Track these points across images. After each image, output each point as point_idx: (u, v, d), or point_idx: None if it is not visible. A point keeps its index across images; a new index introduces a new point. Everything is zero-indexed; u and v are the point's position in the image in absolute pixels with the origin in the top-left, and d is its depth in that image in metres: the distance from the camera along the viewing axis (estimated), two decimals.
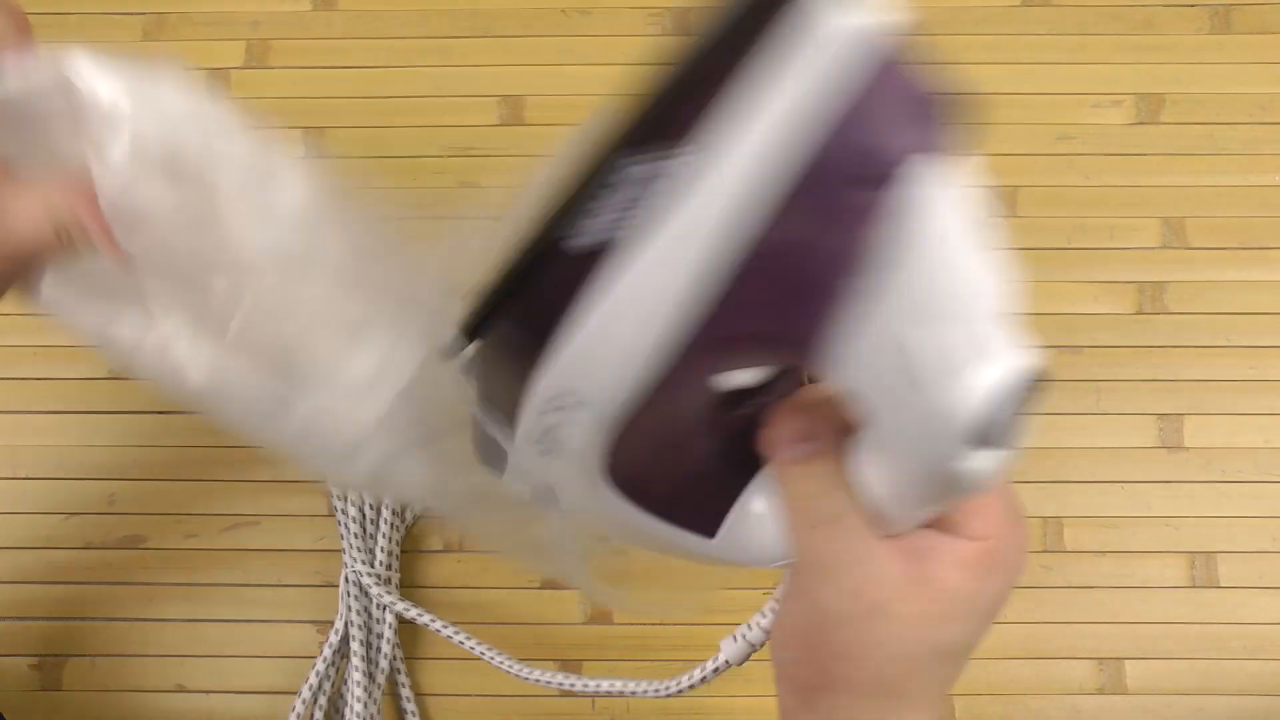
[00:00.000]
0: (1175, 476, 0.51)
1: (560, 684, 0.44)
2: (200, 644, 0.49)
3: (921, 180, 0.22)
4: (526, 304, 0.27)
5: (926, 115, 0.23)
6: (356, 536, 0.48)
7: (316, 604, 0.50)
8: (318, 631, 0.50)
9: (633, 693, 0.42)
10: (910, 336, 0.24)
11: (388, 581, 0.48)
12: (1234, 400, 0.51)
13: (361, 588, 0.48)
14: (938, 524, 0.29)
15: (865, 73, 0.22)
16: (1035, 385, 0.25)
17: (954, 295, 0.23)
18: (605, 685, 0.43)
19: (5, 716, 0.48)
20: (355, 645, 0.47)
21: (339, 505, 0.48)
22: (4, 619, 0.50)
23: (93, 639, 0.50)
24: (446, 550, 0.50)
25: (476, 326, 0.29)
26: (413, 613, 0.47)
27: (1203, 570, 0.50)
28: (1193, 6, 0.56)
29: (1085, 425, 0.51)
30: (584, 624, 0.49)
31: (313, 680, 0.47)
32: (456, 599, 0.50)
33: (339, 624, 0.48)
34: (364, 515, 0.48)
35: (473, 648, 0.46)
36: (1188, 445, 0.51)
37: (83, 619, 0.50)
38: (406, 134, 0.56)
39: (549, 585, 0.50)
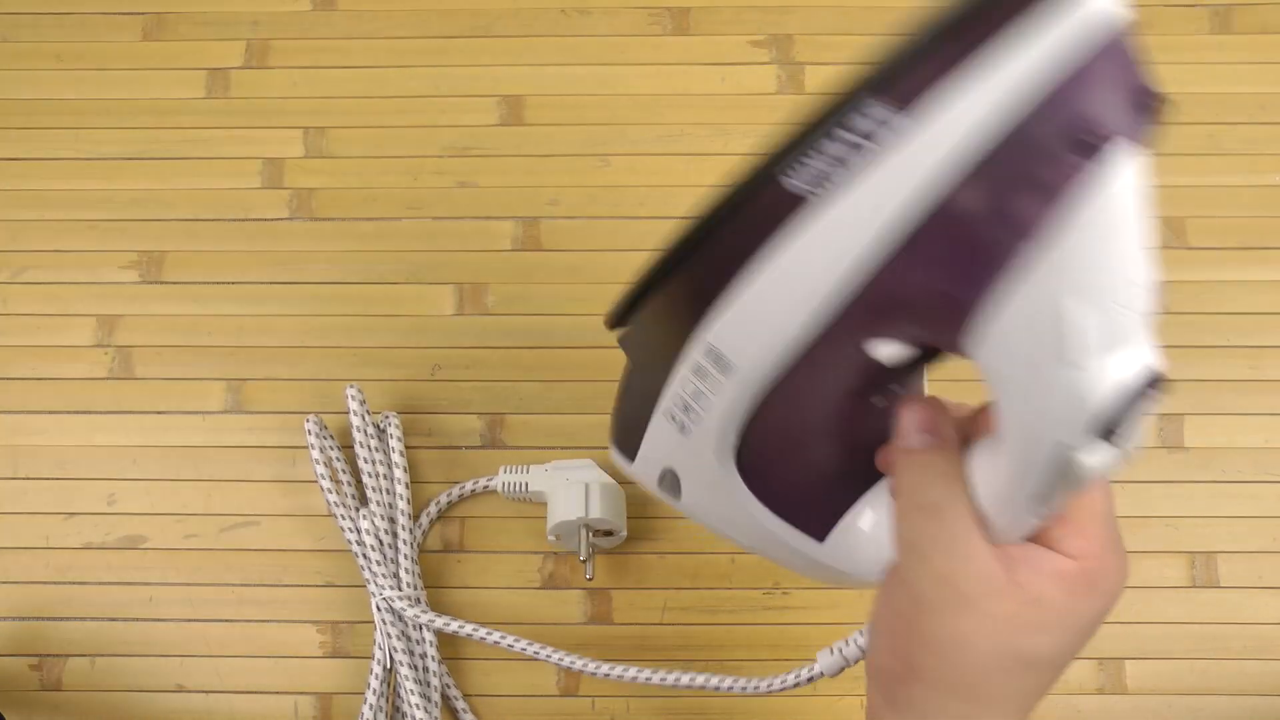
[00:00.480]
0: (1175, 476, 0.51)
1: (635, 678, 0.44)
2: (200, 644, 0.49)
3: (1120, 162, 0.24)
4: (728, 236, 0.28)
5: (1137, 103, 0.24)
6: (378, 564, 0.47)
7: (316, 604, 0.50)
8: (318, 631, 0.50)
9: (715, 688, 0.42)
10: (1070, 307, 0.24)
11: (418, 601, 0.48)
12: (1234, 400, 0.51)
13: (395, 612, 0.47)
14: (1038, 539, 0.30)
15: (1100, 48, 0.23)
16: (1159, 388, 0.25)
17: (1117, 277, 0.24)
18: (686, 679, 0.43)
19: (5, 717, 0.48)
20: (405, 670, 0.46)
21: (352, 538, 0.48)
22: (4, 619, 0.50)
23: (93, 639, 0.50)
24: (446, 550, 0.50)
25: (663, 271, 0.30)
26: (453, 625, 0.47)
27: (1203, 570, 0.50)
28: (1193, 6, 0.56)
29: None
30: (584, 624, 0.49)
31: (367, 714, 0.46)
32: (457, 599, 0.50)
33: (379, 654, 0.47)
34: (381, 542, 0.48)
35: (524, 649, 0.46)
36: (1188, 445, 0.51)
37: (83, 619, 0.50)
38: (406, 134, 0.56)
39: (549, 585, 0.50)
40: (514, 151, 0.56)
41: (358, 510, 0.48)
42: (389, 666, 0.47)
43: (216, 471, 0.52)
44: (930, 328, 0.27)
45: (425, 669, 0.47)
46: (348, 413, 0.49)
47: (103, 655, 0.49)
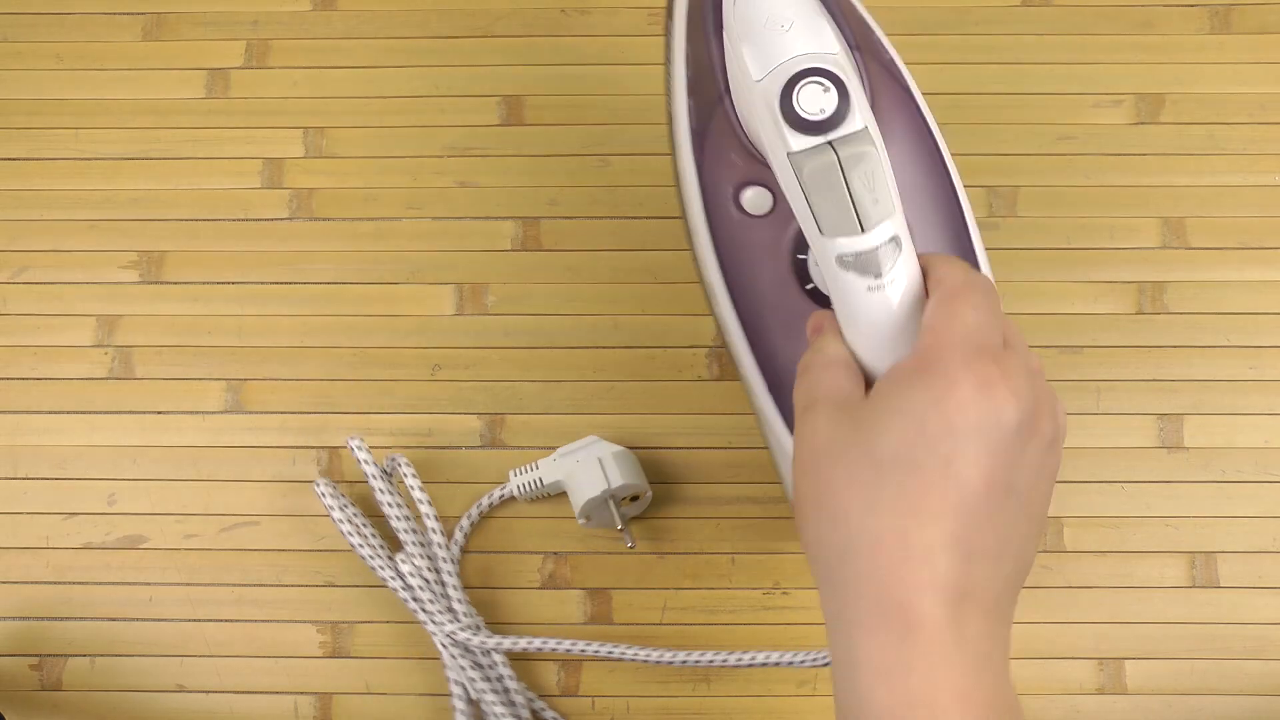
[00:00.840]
0: (1175, 476, 0.51)
1: (698, 660, 0.46)
2: (200, 644, 0.50)
3: None
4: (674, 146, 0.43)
5: None
6: (431, 602, 0.47)
7: (316, 604, 0.50)
8: (318, 631, 0.50)
9: (775, 663, 0.46)
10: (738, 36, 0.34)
11: (479, 629, 0.47)
12: (1234, 400, 0.52)
13: (459, 644, 0.47)
14: None
15: None
16: (817, 76, 0.31)
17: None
18: (748, 658, 0.46)
19: (5, 717, 0.48)
20: (489, 697, 0.46)
21: (397, 585, 0.47)
22: (4, 619, 0.50)
23: (93, 639, 0.50)
24: None
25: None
26: (521, 644, 0.46)
27: (1203, 570, 0.50)
28: (1193, 6, 0.56)
29: (1085, 425, 0.51)
30: (584, 624, 0.49)
31: None
32: None
33: (455, 689, 0.47)
34: (427, 580, 0.47)
35: (595, 652, 0.46)
36: (1188, 445, 0.51)
37: (83, 619, 0.50)
38: (406, 134, 0.56)
39: (549, 585, 0.50)
40: (514, 151, 0.56)
41: (392, 557, 0.48)
42: (471, 698, 0.47)
43: (216, 471, 0.52)
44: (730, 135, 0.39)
45: (506, 690, 0.47)
46: (358, 463, 0.49)
47: (103, 655, 0.50)
